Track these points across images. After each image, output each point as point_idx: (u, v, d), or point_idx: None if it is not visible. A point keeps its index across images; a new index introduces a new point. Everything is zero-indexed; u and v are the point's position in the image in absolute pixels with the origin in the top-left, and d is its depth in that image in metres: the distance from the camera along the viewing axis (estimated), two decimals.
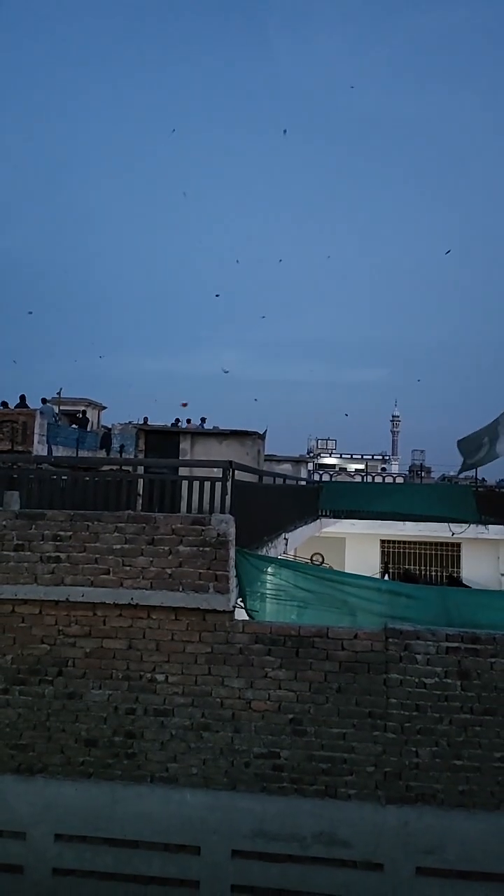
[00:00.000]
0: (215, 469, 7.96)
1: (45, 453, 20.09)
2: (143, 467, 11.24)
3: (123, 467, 13.81)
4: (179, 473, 9.31)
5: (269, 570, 8.13)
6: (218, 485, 7.66)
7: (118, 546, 7.10)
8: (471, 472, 21.69)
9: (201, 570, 7.01)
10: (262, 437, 19.25)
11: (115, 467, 11.77)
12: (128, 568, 7.05)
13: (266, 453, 22.48)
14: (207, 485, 7.79)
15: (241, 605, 7.38)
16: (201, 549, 7.06)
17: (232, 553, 7.13)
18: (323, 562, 18.98)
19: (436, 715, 6.79)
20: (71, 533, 7.17)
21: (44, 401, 23.83)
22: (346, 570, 18.52)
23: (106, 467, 11.52)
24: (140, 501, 8.62)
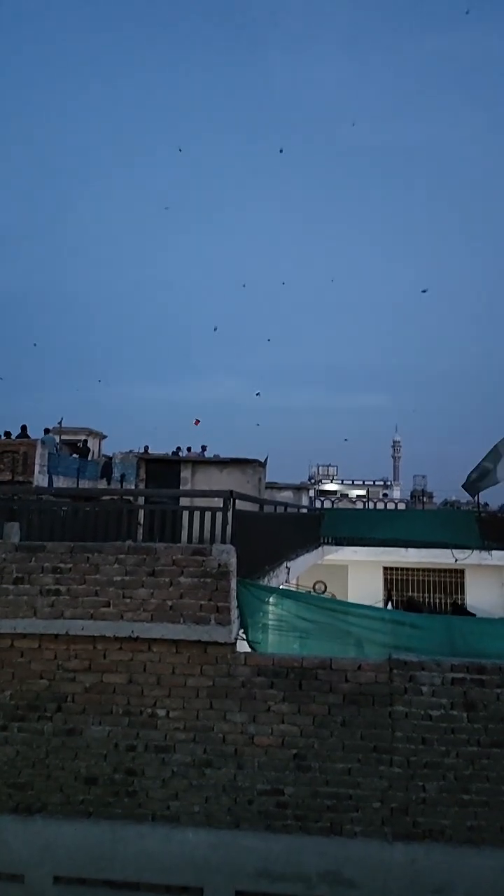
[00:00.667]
0: (216, 499, 7.93)
1: (47, 483, 20.07)
2: (143, 497, 11.21)
3: (124, 497, 13.78)
4: (180, 503, 9.28)
5: (271, 600, 8.05)
6: (219, 514, 7.62)
7: (118, 578, 7.04)
8: (473, 497, 21.63)
9: (202, 602, 6.94)
10: (263, 464, 19.23)
11: (115, 497, 11.73)
12: (128, 600, 6.98)
13: (267, 480, 22.46)
14: (208, 514, 7.76)
15: (244, 636, 7.29)
16: (202, 580, 6.99)
17: (233, 584, 7.07)
18: (325, 590, 18.83)
19: (442, 748, 6.66)
20: (71, 565, 7.12)
21: (46, 431, 23.91)
22: (350, 598, 18.36)
23: (107, 497, 11.49)
24: (141, 531, 8.58)
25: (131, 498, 12.25)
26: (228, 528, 7.57)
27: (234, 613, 7.07)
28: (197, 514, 7.91)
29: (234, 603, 7.05)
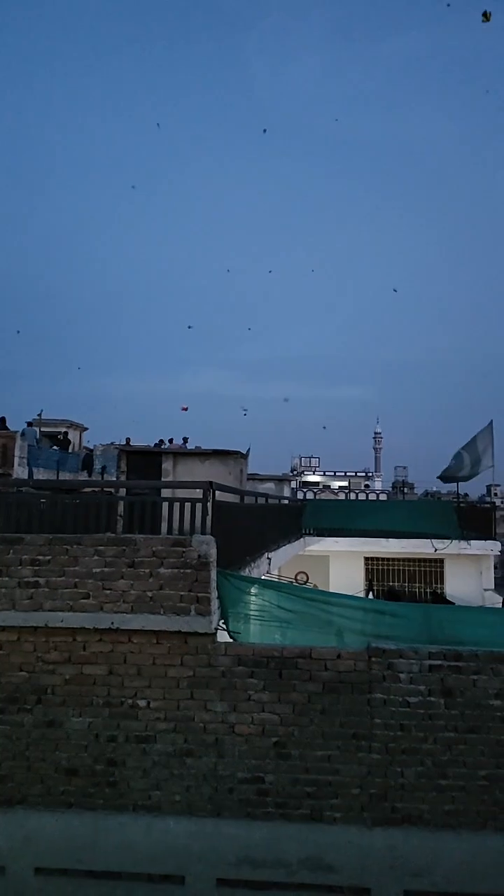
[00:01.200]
0: (196, 490, 7.93)
1: (26, 476, 19.92)
2: (124, 489, 11.17)
3: (105, 489, 13.74)
4: (161, 494, 9.26)
5: (253, 590, 8.08)
6: (199, 506, 7.62)
7: (98, 569, 7.02)
8: (453, 487, 21.85)
9: (182, 593, 6.95)
10: (245, 456, 19.24)
11: (96, 490, 11.68)
12: (108, 591, 6.97)
13: (249, 472, 22.47)
14: (188, 506, 7.75)
15: (224, 627, 7.31)
16: (182, 570, 7.00)
17: (213, 574, 7.09)
18: (307, 580, 18.92)
19: (420, 734, 6.75)
20: (50, 557, 7.09)
21: (28, 424, 23.72)
22: (331, 588, 18.47)
23: (87, 489, 11.43)
24: (121, 523, 8.55)
25: (112, 490, 12.21)
26: (209, 519, 7.57)
27: (215, 604, 7.09)
28: (177, 505, 7.91)
29: (214, 594, 7.07)
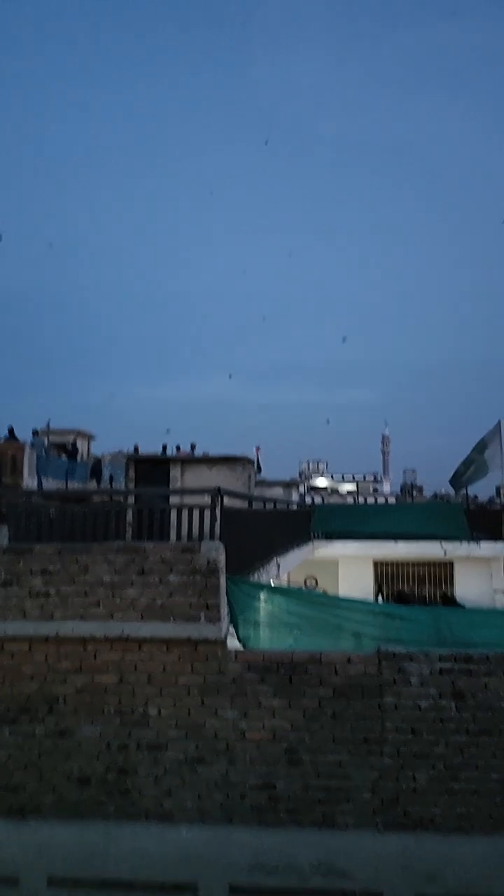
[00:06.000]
0: (204, 496, 7.96)
1: (36, 486, 19.98)
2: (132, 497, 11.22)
3: (113, 498, 13.80)
4: (170, 501, 9.31)
5: (262, 596, 8.10)
6: (207, 512, 7.65)
7: (108, 578, 7.06)
8: (462, 489, 21.78)
9: (192, 600, 6.97)
10: (253, 461, 19.26)
11: (105, 498, 11.74)
12: (118, 600, 7.01)
13: (258, 477, 22.49)
14: (197, 512, 7.79)
15: (234, 633, 7.33)
16: (192, 577, 7.02)
17: (222, 581, 7.11)
18: (317, 585, 18.89)
19: (431, 738, 6.74)
20: (60, 566, 7.12)
21: (35, 433, 23.80)
22: (340, 593, 18.43)
23: (96, 498, 11.49)
24: (130, 531, 8.60)
25: (121, 498, 12.26)
26: (217, 525, 7.61)
27: (224, 610, 7.11)
28: (186, 512, 7.95)
29: (223, 600, 7.09)
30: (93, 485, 25.41)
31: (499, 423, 18.38)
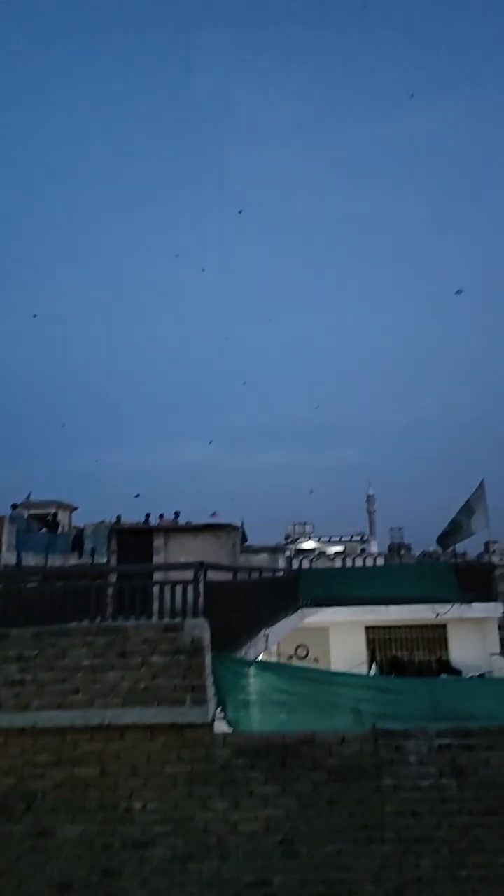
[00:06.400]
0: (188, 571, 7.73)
1: (15, 561, 19.57)
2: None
3: (94, 576, 13.50)
4: (154, 575, 9.03)
5: (252, 671, 7.78)
6: (190, 587, 7.42)
7: (87, 662, 6.75)
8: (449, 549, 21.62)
9: (176, 681, 6.67)
10: (238, 529, 19.02)
11: (87, 577, 11.41)
12: (98, 685, 6.68)
13: (245, 544, 22.14)
14: (179, 588, 7.54)
15: (222, 715, 6.99)
16: (175, 657, 6.74)
17: (208, 660, 6.82)
18: (308, 654, 18.39)
19: (434, 820, 6.38)
20: (37, 651, 6.82)
21: (14, 507, 23.46)
22: (333, 660, 17.94)
23: (78, 576, 11.16)
24: (112, 605, 8.30)
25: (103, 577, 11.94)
26: (200, 600, 7.37)
27: (211, 691, 6.80)
28: (168, 587, 7.69)
29: (209, 680, 6.79)
30: (74, 557, 24.94)
31: (482, 481, 18.43)
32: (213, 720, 6.68)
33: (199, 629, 6.82)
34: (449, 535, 19.33)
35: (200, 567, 7.55)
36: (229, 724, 7.04)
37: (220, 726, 6.86)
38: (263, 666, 8.25)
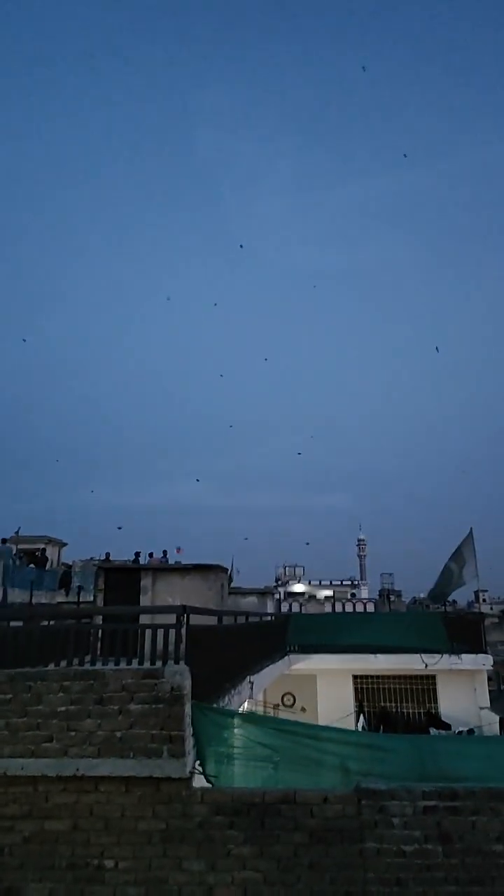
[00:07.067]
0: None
1: (1, 597, 19.25)
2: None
3: (81, 614, 13.20)
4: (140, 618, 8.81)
5: (235, 722, 7.52)
6: (172, 631, 7.22)
7: (63, 708, 6.51)
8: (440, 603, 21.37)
9: (154, 732, 6.42)
10: (226, 570, 18.76)
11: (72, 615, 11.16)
12: (73, 733, 6.43)
13: (232, 585, 21.83)
14: (161, 632, 7.34)
15: (199, 770, 6.72)
16: (154, 706, 6.50)
17: (187, 709, 6.58)
18: (295, 702, 17.98)
19: (419, 889, 6.08)
20: (11, 695, 6.57)
21: (2, 541, 23.20)
22: (320, 710, 17.52)
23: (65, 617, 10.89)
24: (96, 649, 8.06)
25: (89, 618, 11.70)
26: (182, 645, 7.16)
27: (190, 743, 6.55)
28: (149, 631, 7.48)
29: (188, 731, 6.55)
30: (61, 594, 24.54)
31: (471, 530, 18.31)
32: (191, 774, 6.41)
33: (180, 676, 6.60)
34: (441, 590, 19.13)
35: (183, 611, 7.37)
36: (207, 778, 6.76)
37: (199, 780, 6.59)
38: (246, 717, 7.99)
